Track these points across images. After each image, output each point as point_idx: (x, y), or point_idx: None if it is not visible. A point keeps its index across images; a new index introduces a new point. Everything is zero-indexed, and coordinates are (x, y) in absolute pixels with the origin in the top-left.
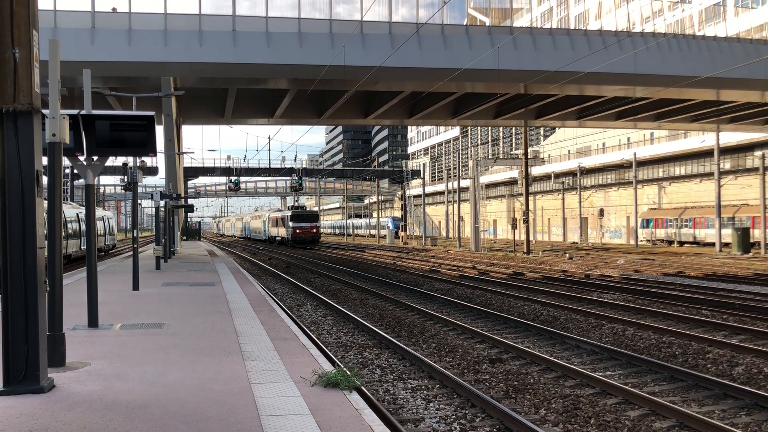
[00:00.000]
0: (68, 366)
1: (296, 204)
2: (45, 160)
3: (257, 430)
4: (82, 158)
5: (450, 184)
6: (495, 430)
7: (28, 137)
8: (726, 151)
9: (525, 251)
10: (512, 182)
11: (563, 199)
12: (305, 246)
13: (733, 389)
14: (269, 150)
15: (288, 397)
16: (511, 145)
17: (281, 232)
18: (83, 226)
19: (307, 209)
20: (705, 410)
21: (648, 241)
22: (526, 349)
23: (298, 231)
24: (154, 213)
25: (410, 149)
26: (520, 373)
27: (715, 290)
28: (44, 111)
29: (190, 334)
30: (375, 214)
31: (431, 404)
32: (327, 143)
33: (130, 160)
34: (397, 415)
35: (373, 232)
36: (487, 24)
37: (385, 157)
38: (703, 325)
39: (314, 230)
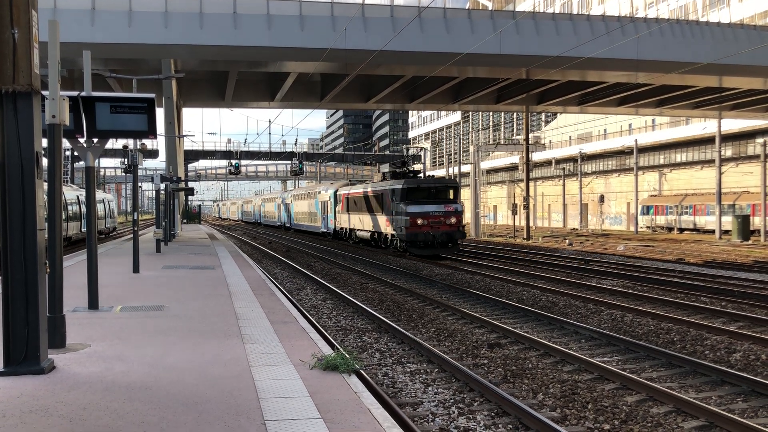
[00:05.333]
0: (68, 347)
1: (396, 169)
2: (45, 142)
3: (256, 413)
4: (82, 140)
5: (451, 170)
6: (493, 414)
7: (28, 119)
8: (727, 138)
9: (525, 237)
10: (513, 168)
11: (564, 185)
12: (434, 255)
13: (730, 375)
14: (270, 134)
15: (287, 379)
16: (513, 130)
17: (378, 223)
18: (83, 209)
19: (434, 177)
20: (702, 396)
21: (648, 227)
22: (525, 334)
23: (420, 222)
24: (154, 196)
25: (411, 134)
26: (518, 357)
27: (715, 277)
28: (44, 92)
29: (191, 317)
30: None
31: (430, 388)
32: (327, 127)
33: (130, 142)
34: (396, 399)
35: None
36: (490, 8)
37: (386, 141)
38: (701, 312)
39: (453, 220)
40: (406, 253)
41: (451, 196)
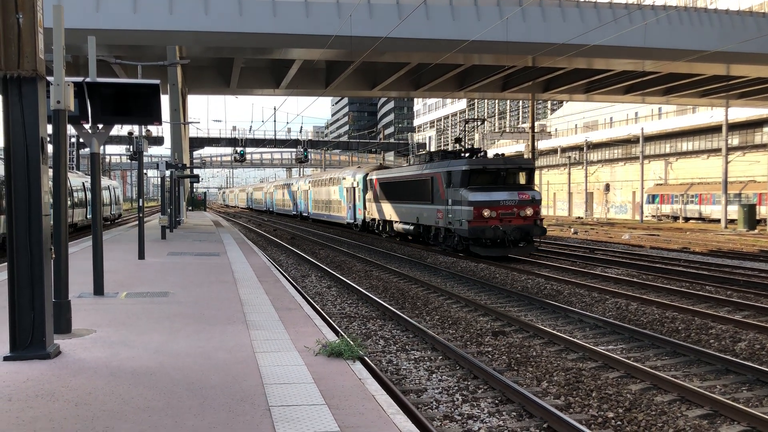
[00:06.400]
0: (74, 333)
1: (448, 148)
2: (50, 128)
3: (261, 398)
4: (87, 126)
5: None
6: (497, 401)
7: (33, 104)
8: (734, 127)
9: None
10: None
11: (569, 173)
12: (503, 257)
13: (735, 365)
14: (275, 121)
15: (292, 366)
16: (518, 118)
17: (424, 214)
18: (89, 195)
19: (503, 155)
20: (706, 385)
21: (653, 216)
22: (529, 322)
23: (487, 214)
24: (159, 183)
25: (416, 122)
26: (522, 345)
27: (720, 266)
28: (49, 78)
29: (195, 303)
30: None
31: (434, 375)
32: (332, 115)
33: (135, 129)
34: (400, 386)
35: None
36: None
37: (391, 129)
38: (706, 301)
39: (529, 211)
40: (465, 253)
41: (525, 180)
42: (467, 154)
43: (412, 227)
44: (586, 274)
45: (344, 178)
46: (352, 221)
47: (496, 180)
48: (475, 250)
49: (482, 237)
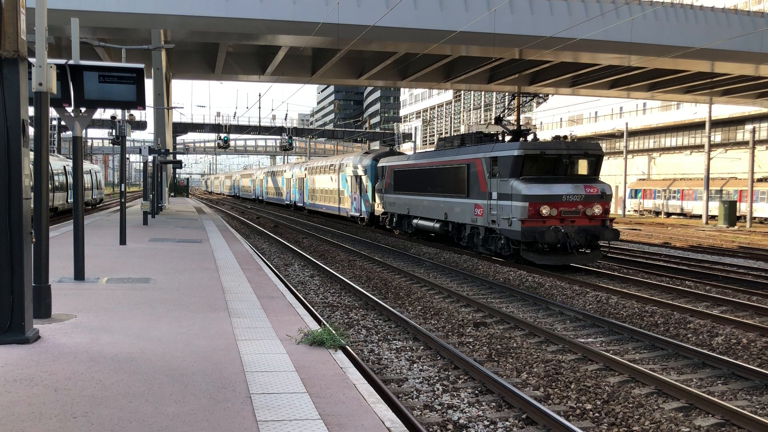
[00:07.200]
0: (54, 318)
1: (484, 130)
2: (31, 111)
3: (242, 386)
4: (69, 109)
5: None
6: (477, 391)
7: (14, 85)
8: (717, 123)
9: None
10: None
11: None
12: (564, 266)
13: (711, 359)
14: (259, 108)
15: (273, 354)
16: (504, 110)
17: (456, 209)
18: (70, 179)
19: (564, 138)
20: (683, 378)
21: (636, 211)
22: (510, 314)
23: (545, 211)
24: (142, 168)
25: (402, 112)
26: (503, 337)
27: (700, 262)
28: (30, 60)
29: (177, 290)
30: None
31: (415, 365)
32: (318, 103)
33: (118, 113)
34: (381, 375)
35: None
36: None
37: (377, 119)
38: (685, 296)
39: (597, 209)
40: (512, 259)
41: (591, 171)
42: (510, 138)
43: (438, 225)
44: (567, 267)
45: (348, 165)
46: (357, 214)
47: (555, 169)
48: (527, 257)
49: (540, 241)
